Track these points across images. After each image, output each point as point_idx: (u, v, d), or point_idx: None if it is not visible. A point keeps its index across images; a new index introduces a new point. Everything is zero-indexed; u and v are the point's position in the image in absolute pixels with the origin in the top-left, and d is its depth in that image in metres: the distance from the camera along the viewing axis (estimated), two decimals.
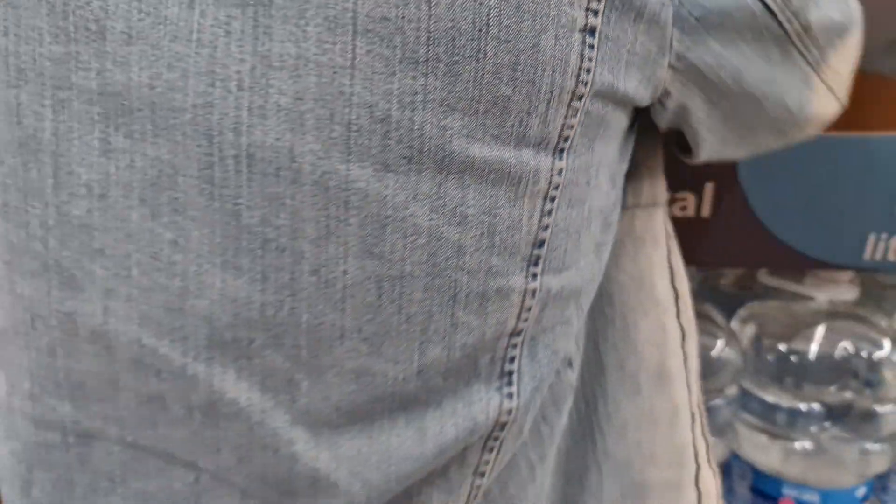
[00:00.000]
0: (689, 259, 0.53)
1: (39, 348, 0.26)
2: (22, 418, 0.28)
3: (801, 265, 0.52)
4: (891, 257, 0.51)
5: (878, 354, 0.55)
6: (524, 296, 0.27)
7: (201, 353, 0.25)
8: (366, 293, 0.25)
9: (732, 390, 0.56)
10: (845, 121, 0.85)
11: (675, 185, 0.50)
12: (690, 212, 0.50)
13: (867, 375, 0.55)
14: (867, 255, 0.51)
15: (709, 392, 0.55)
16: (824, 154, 0.49)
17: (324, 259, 0.24)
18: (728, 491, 0.61)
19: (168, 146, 0.24)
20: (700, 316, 0.56)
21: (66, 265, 0.25)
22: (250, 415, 0.26)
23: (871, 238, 0.51)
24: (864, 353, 0.55)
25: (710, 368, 0.55)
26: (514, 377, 0.28)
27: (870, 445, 0.56)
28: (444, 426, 0.27)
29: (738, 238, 0.51)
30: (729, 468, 0.61)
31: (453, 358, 0.27)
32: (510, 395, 0.28)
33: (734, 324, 0.60)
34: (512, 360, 0.28)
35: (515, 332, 0.28)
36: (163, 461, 0.27)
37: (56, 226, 0.25)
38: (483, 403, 0.28)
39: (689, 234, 0.51)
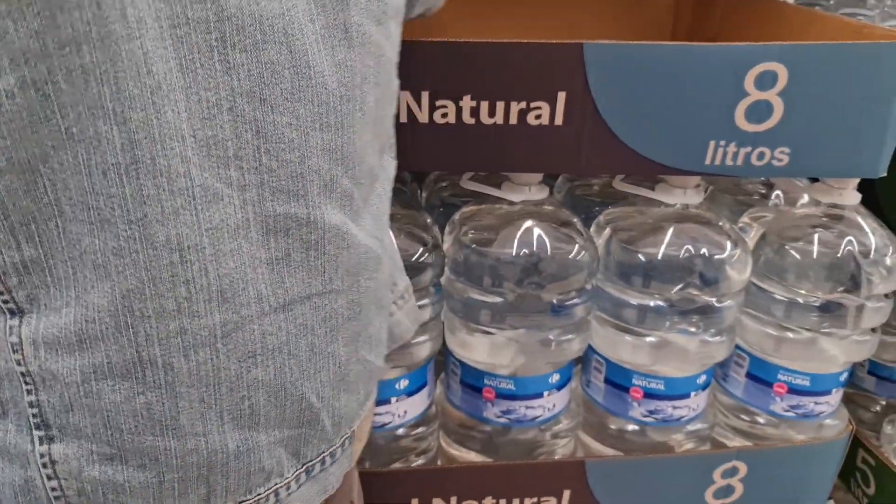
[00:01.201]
0: (547, 166, 0.56)
1: None
2: None
3: (649, 171, 0.55)
4: (729, 162, 0.55)
5: (720, 255, 0.60)
6: None
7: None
8: None
9: (587, 288, 0.60)
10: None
11: (531, 95, 0.52)
12: (545, 120, 0.52)
13: (710, 274, 0.60)
14: (708, 160, 0.55)
15: (567, 292, 0.59)
16: (669, 63, 0.51)
17: None
18: (587, 384, 0.66)
19: (274, 48, 0.30)
20: (566, 224, 0.60)
21: None
22: None
23: (712, 144, 0.54)
24: (705, 253, 0.59)
25: (567, 269, 0.59)
26: None
27: (710, 337, 0.61)
28: None
29: (589, 146, 0.54)
30: (587, 360, 0.65)
31: None
32: None
33: (593, 228, 0.63)
34: None
35: None
36: None
37: None
38: None
39: (546, 141, 0.53)
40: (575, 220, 0.60)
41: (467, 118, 0.52)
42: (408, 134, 0.52)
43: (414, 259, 0.57)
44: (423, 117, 0.52)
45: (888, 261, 0.61)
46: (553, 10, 0.98)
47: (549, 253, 0.58)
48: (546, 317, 0.59)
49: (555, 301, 0.58)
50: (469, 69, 0.51)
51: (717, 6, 0.91)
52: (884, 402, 0.79)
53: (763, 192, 0.73)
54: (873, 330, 0.64)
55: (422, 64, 0.50)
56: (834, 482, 0.69)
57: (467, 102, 0.52)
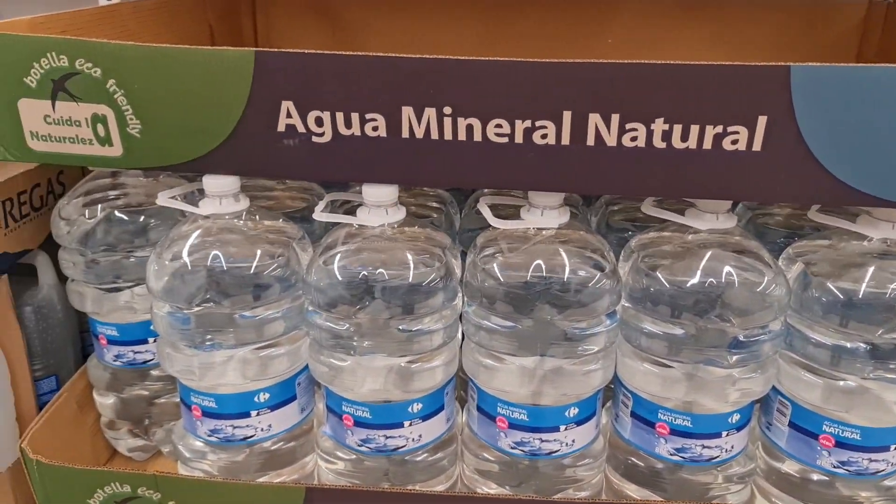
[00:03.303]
0: (740, 194, 0.53)
1: None
2: None
3: (853, 201, 0.51)
4: None
5: None
6: None
7: None
8: None
9: (776, 326, 0.57)
10: None
11: (728, 119, 0.49)
12: (742, 146, 0.50)
13: None
14: None
15: (754, 327, 0.55)
16: (885, 87, 0.48)
17: None
18: (767, 427, 0.62)
19: None
20: (748, 252, 0.57)
21: None
22: None
23: None
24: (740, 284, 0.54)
25: (755, 303, 0.55)
26: None
27: None
28: None
29: (791, 173, 0.51)
30: (768, 401, 0.61)
31: None
32: None
33: (782, 261, 0.59)
34: None
35: None
36: None
37: None
38: None
39: (739, 169, 0.51)
40: (764, 251, 0.57)
41: (658, 142, 0.50)
42: (595, 156, 0.51)
43: (591, 285, 0.56)
44: (611, 140, 0.50)
45: None
46: (717, 30, 0.94)
47: (735, 285, 0.55)
48: (727, 352, 0.56)
49: (740, 337, 0.55)
50: (660, 91, 0.49)
51: None
52: None
53: None
54: None
55: (604, 85, 0.49)
56: None
57: (659, 126, 0.50)
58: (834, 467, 0.58)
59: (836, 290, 0.55)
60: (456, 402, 0.65)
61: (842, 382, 0.56)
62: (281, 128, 0.52)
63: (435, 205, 0.71)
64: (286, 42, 1.02)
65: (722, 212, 0.56)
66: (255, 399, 0.59)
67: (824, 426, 0.57)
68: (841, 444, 0.57)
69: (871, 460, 0.57)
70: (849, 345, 0.55)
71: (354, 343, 0.56)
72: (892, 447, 0.57)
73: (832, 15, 0.92)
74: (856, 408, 0.56)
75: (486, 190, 0.68)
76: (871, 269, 0.55)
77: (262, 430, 0.60)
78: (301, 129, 0.52)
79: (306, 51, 0.51)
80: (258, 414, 0.59)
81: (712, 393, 0.57)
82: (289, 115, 0.52)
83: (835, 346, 0.55)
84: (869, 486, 0.59)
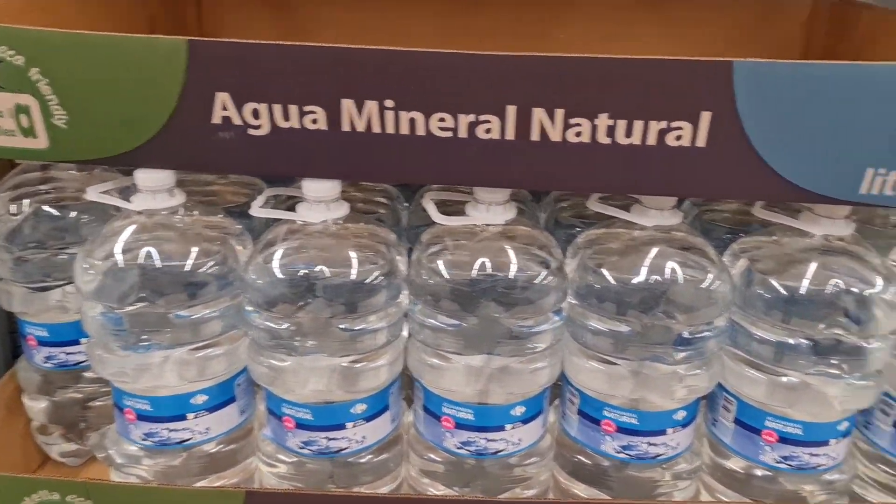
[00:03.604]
0: (685, 190, 0.53)
1: None
2: None
3: (796, 198, 0.51)
4: (888, 192, 0.50)
5: (870, 292, 0.55)
6: None
7: None
8: None
9: (721, 322, 0.57)
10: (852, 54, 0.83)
11: (672, 114, 0.49)
12: (686, 142, 0.49)
13: (858, 312, 0.55)
14: (864, 189, 0.50)
15: (699, 323, 0.55)
16: (828, 84, 0.48)
17: None
18: (713, 423, 0.62)
19: None
20: (693, 249, 0.57)
21: None
22: None
23: (869, 172, 0.50)
24: (854, 289, 0.54)
25: (700, 300, 0.55)
26: None
27: (855, 381, 0.56)
28: None
29: (735, 170, 0.50)
30: (714, 398, 0.61)
31: None
32: None
33: (727, 257, 0.59)
34: None
35: None
36: None
37: None
38: None
39: (683, 165, 0.50)
40: (709, 247, 0.57)
41: (602, 137, 0.49)
42: (539, 151, 0.50)
43: (537, 281, 0.55)
44: (555, 135, 0.50)
45: None
46: (667, 27, 0.94)
47: (680, 281, 0.55)
48: (672, 349, 0.56)
49: (685, 333, 0.55)
50: (603, 86, 0.48)
51: (858, 23, 0.85)
52: None
53: None
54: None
55: (548, 79, 0.48)
56: None
57: (603, 121, 0.49)
58: (777, 462, 0.58)
59: (778, 287, 0.55)
60: (404, 401, 0.64)
61: (785, 378, 0.56)
62: (216, 120, 0.50)
63: (382, 200, 0.70)
64: (232, 34, 1.00)
65: (667, 208, 0.56)
66: (192, 401, 0.57)
67: (767, 422, 0.57)
68: (784, 439, 0.57)
69: (812, 455, 0.57)
70: (791, 341, 0.55)
71: (295, 343, 0.55)
72: (832, 441, 0.57)
73: (779, 13, 0.93)
74: (798, 403, 0.57)
75: (434, 185, 0.67)
76: (812, 266, 0.55)
77: (199, 433, 0.58)
78: (237, 121, 0.50)
79: (242, 40, 0.49)
80: (195, 416, 0.57)
81: (658, 390, 0.57)
82: (224, 108, 0.50)
83: (778, 343, 0.55)
84: (811, 481, 0.60)
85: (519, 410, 0.58)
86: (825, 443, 0.57)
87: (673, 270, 0.55)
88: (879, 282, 0.55)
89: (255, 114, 0.50)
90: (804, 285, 0.54)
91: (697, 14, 0.93)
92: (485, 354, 0.56)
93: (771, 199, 0.57)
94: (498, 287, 0.55)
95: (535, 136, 0.50)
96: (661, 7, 0.93)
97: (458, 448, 0.58)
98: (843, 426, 0.58)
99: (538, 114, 0.49)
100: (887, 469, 0.61)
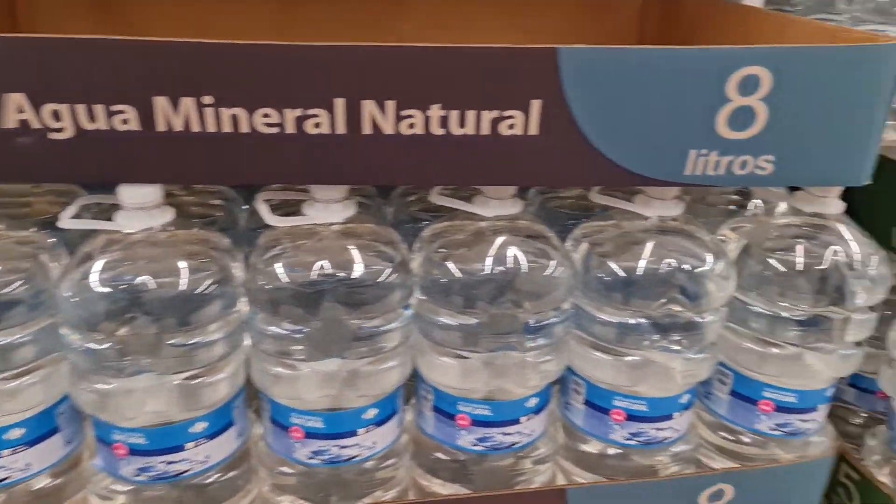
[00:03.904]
0: (520, 178, 0.53)
1: None
2: None
3: (626, 182, 0.52)
4: (710, 172, 0.52)
5: (702, 269, 0.57)
6: None
7: None
8: None
9: (567, 307, 0.57)
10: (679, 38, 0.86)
11: (503, 103, 0.49)
12: (519, 130, 0.49)
13: (692, 288, 0.57)
14: (688, 170, 0.52)
15: (545, 310, 0.55)
16: (647, 68, 0.49)
17: None
18: (566, 407, 0.63)
19: None
20: (542, 239, 0.57)
21: None
22: None
23: (692, 153, 0.51)
24: (686, 267, 0.56)
25: (544, 287, 0.55)
26: None
27: (693, 354, 0.58)
28: None
29: (567, 157, 0.51)
30: (565, 382, 0.62)
31: None
32: None
33: (569, 243, 0.60)
34: None
35: None
36: None
37: None
38: None
39: (518, 154, 0.50)
40: (551, 235, 0.57)
41: (436, 128, 0.48)
42: (372, 145, 0.48)
43: (381, 279, 0.53)
44: (388, 127, 0.48)
45: (872, 272, 0.59)
46: (510, 17, 0.95)
47: (524, 270, 0.55)
48: (523, 337, 0.56)
49: (532, 321, 0.55)
50: (433, 76, 0.47)
51: (686, 11, 0.89)
52: (865, 415, 0.78)
53: (739, 200, 0.71)
54: (858, 344, 0.62)
55: (376, 70, 0.47)
56: (820, 498, 0.67)
57: (436, 112, 0.48)
58: (626, 440, 0.60)
59: (616, 269, 0.56)
60: (253, 413, 0.61)
61: (629, 358, 0.58)
62: (11, 124, 0.45)
63: (217, 203, 0.66)
64: (50, 30, 0.91)
65: (506, 197, 0.56)
66: (6, 437, 0.51)
67: (615, 401, 0.59)
68: (631, 416, 0.59)
69: (658, 429, 0.59)
70: (632, 321, 0.56)
71: (123, 364, 0.50)
72: (675, 415, 0.60)
73: (615, 2, 0.96)
74: (643, 380, 0.58)
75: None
76: (647, 247, 0.57)
77: (19, 469, 0.52)
78: (36, 124, 0.45)
79: (37, 35, 0.44)
80: (13, 452, 0.52)
81: (512, 379, 0.57)
82: (20, 110, 0.45)
83: (620, 324, 0.57)
84: (659, 454, 0.62)
85: (371, 413, 0.56)
86: (669, 417, 0.59)
87: (516, 259, 0.55)
88: (710, 258, 0.57)
89: (56, 115, 0.45)
90: (640, 266, 0.56)
91: (539, 5, 0.95)
92: (332, 359, 0.54)
93: (603, 185, 0.59)
94: (341, 288, 0.53)
95: (366, 129, 0.48)
96: (502, 3, 0.94)
97: (310, 458, 0.56)
98: (685, 399, 0.60)
99: (368, 106, 0.47)
100: (727, 435, 0.65)
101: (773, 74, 0.49)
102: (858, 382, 0.77)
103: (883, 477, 0.70)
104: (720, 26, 0.81)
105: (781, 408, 0.61)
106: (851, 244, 0.59)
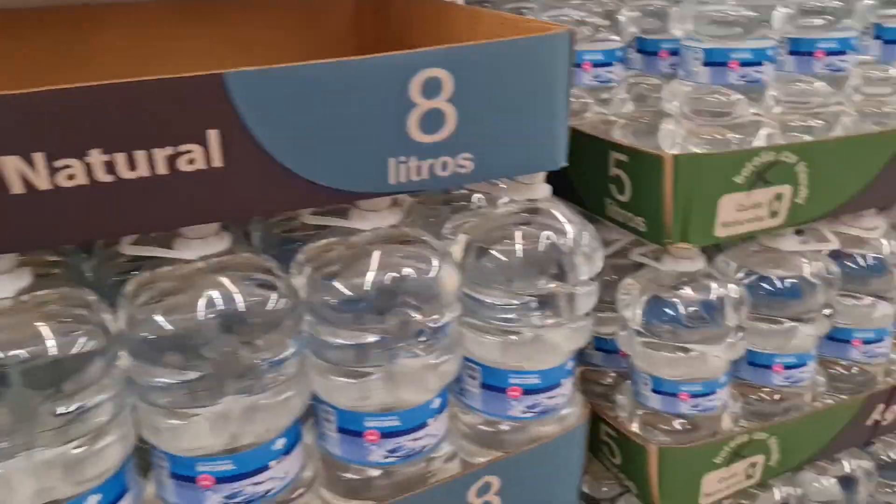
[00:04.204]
0: (218, 214, 0.49)
1: None
2: None
3: (332, 201, 0.50)
4: (414, 178, 0.52)
5: (430, 273, 0.57)
6: None
7: None
8: None
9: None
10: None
11: (177, 138, 0.44)
12: (202, 164, 0.45)
13: (423, 293, 0.56)
14: (392, 179, 0.51)
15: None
16: (326, 83, 0.47)
17: None
18: (321, 437, 0.60)
19: None
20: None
21: None
22: None
23: (392, 162, 0.50)
24: (412, 274, 0.56)
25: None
26: None
27: (437, 358, 0.58)
28: None
29: (262, 185, 0.48)
30: (317, 412, 0.60)
31: None
32: None
33: (293, 269, 0.57)
34: None
35: None
36: None
37: None
38: None
39: (208, 189, 0.46)
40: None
41: (102, 175, 0.43)
42: (31, 206, 0.42)
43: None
44: (42, 183, 0.42)
45: (585, 246, 0.62)
46: (220, 34, 0.90)
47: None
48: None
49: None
50: (87, 119, 0.42)
51: (394, 12, 0.90)
52: (614, 374, 0.83)
53: (464, 196, 0.72)
54: (587, 314, 0.65)
55: (33, 119, 0.41)
56: (583, 462, 0.70)
57: (97, 158, 0.43)
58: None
59: (341, 289, 0.54)
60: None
61: (374, 376, 0.56)
62: None
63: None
64: None
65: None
66: None
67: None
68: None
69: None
70: (366, 339, 0.55)
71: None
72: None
73: (327, 8, 0.94)
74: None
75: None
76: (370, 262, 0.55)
77: None
78: None
79: None
80: None
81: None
82: None
83: (355, 345, 0.55)
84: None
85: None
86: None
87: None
88: (434, 261, 0.57)
89: None
90: (366, 282, 0.54)
91: (244, 15, 0.91)
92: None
93: (305, 207, 0.56)
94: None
95: (17, 188, 0.41)
96: (206, 14, 0.89)
97: None
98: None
99: (11, 163, 0.41)
100: (485, 427, 0.66)
101: (452, 75, 0.50)
102: (603, 345, 0.82)
103: (635, 427, 0.75)
104: (425, 24, 0.82)
105: (529, 390, 0.63)
106: (563, 223, 0.62)
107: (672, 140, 0.78)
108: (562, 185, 0.78)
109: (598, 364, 0.83)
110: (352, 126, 0.49)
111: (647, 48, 0.83)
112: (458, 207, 0.72)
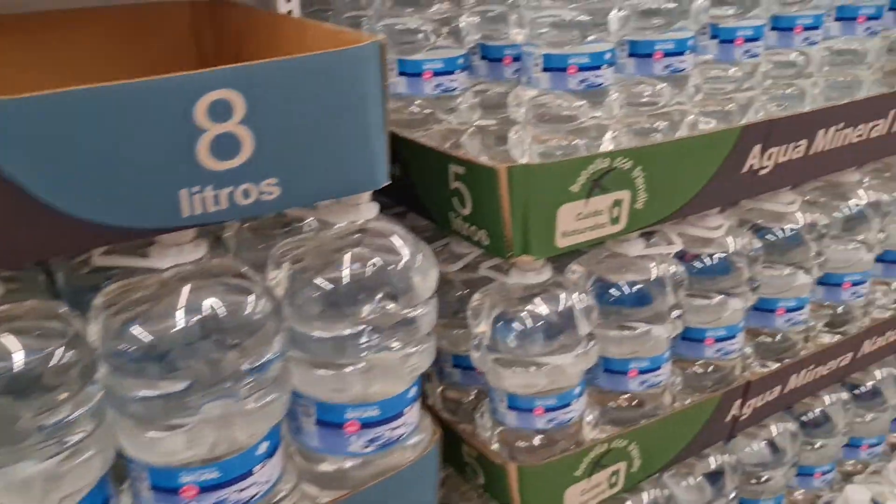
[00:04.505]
0: None
1: None
2: None
3: (119, 239, 0.45)
4: (211, 208, 0.47)
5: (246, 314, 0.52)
6: None
7: None
8: None
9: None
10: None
11: None
12: None
13: (242, 340, 0.52)
14: (185, 212, 0.46)
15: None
16: (94, 112, 0.42)
17: None
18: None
19: None
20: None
21: None
22: None
23: (184, 192, 0.46)
24: (221, 313, 0.51)
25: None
26: None
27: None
28: None
29: (28, 229, 0.42)
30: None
31: None
32: None
33: (91, 313, 0.51)
34: None
35: None
36: None
37: None
38: None
39: None
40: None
41: None
42: None
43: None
44: None
45: (418, 266, 0.59)
46: (42, 51, 0.83)
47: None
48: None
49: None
50: None
51: (232, 24, 0.85)
52: (475, 392, 0.81)
53: (294, 219, 0.68)
54: (428, 335, 0.62)
55: None
56: (437, 489, 0.67)
57: None
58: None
59: (138, 336, 0.49)
60: None
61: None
62: None
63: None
64: None
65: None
66: None
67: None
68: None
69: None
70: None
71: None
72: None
73: (162, 18, 0.88)
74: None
75: None
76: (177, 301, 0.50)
77: None
78: None
79: None
80: None
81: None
82: None
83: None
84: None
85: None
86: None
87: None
88: (250, 297, 0.53)
89: None
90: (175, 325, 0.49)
91: (64, 33, 0.83)
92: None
93: (86, 249, 0.51)
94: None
95: None
96: (36, 37, 0.81)
97: None
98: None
99: None
100: (327, 467, 0.62)
101: (244, 96, 0.46)
102: (462, 363, 0.79)
103: (495, 446, 0.73)
104: (258, 36, 0.78)
105: (367, 424, 0.59)
106: (395, 243, 0.59)
107: (521, 148, 0.76)
108: (409, 200, 0.75)
109: (458, 382, 0.80)
110: (132, 157, 0.44)
111: (490, 55, 0.81)
112: (293, 231, 0.67)
